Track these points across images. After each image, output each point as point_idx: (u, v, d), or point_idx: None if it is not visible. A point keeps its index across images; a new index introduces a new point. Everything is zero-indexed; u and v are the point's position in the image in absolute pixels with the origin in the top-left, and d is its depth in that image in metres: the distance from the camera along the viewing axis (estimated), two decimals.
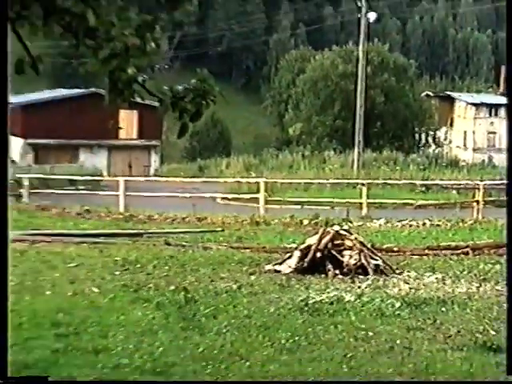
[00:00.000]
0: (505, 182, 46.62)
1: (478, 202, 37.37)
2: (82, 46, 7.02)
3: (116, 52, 6.70)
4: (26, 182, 44.10)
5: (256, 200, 37.81)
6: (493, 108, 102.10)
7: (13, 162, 72.37)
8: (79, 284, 16.35)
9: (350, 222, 27.97)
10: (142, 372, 9.93)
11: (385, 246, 20.82)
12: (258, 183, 40.24)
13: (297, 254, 18.27)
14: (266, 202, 37.37)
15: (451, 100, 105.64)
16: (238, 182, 46.71)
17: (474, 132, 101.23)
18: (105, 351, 10.96)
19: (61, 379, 5.89)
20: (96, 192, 44.83)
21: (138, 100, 7.52)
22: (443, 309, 14.09)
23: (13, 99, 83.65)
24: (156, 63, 7.14)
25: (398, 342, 11.74)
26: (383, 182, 44.36)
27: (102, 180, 52.78)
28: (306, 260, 17.90)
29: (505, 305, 14.64)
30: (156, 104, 7.81)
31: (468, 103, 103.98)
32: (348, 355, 10.87)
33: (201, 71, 7.75)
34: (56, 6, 6.60)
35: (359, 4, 66.92)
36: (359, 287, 16.06)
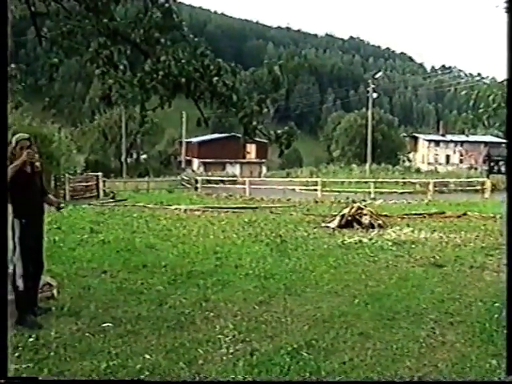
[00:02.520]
0: (444, 180, 46.45)
1: (429, 190, 36.86)
2: (229, 111, 7.03)
3: (247, 114, 6.72)
4: (199, 181, 44.42)
5: (316, 190, 37.63)
6: (436, 142, 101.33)
7: (193, 171, 72.88)
8: (227, 232, 16.36)
9: (365, 201, 27.66)
10: (259, 277, 9.89)
11: (383, 213, 20.53)
12: (317, 181, 40.01)
13: (338, 217, 18.11)
14: (321, 191, 37.17)
15: (416, 138, 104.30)
16: (307, 180, 46.42)
17: (427, 154, 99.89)
18: (240, 266, 10.95)
19: (61, 379, 5.35)
20: (234, 186, 44.96)
21: (257, 139, 7.54)
22: (413, 246, 13.88)
23: (193, 139, 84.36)
24: (266, 119, 7.15)
25: (390, 262, 11.58)
26: (382, 180, 43.92)
27: (236, 180, 52.86)
28: (343, 221, 17.73)
29: (443, 243, 14.49)
30: (264, 140, 7.85)
31: (424, 140, 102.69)
32: (365, 269, 10.76)
33: (289, 124, 7.76)
34: (216, 92, 6.62)
35: (368, 89, 66.71)
36: (370, 235, 15.89)
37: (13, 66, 8.45)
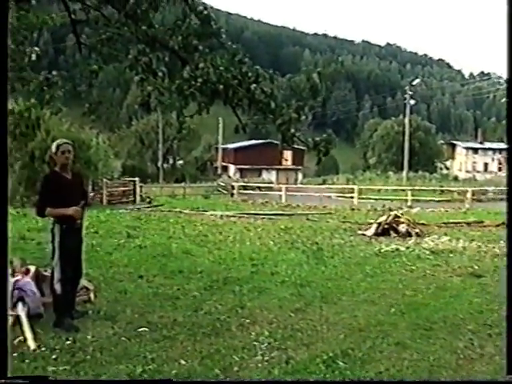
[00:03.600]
0: (483, 189, 45.74)
1: (467, 198, 36.40)
2: (266, 118, 7.03)
3: (284, 121, 6.71)
4: (235, 187, 44.46)
5: (352, 197, 37.45)
6: (474, 150, 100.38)
7: (229, 177, 72.99)
8: (263, 239, 16.35)
9: (401, 209, 27.38)
10: (295, 285, 9.87)
11: (420, 222, 20.29)
12: (353, 188, 39.83)
13: (374, 225, 18.01)
14: (358, 198, 36.97)
15: (453, 145, 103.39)
16: (343, 187, 46.22)
17: (465, 162, 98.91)
18: (276, 273, 10.94)
19: (60, 379, 5.51)
20: (270, 192, 44.95)
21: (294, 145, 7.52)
22: (451, 255, 13.69)
23: (230, 145, 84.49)
24: (302, 126, 7.13)
25: (427, 272, 11.44)
26: (418, 188, 43.43)
27: (272, 186, 52.82)
28: (380, 229, 17.62)
29: (482, 252, 14.26)
30: (301, 147, 7.84)
31: (462, 147, 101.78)
32: (402, 278, 10.65)
33: (326, 131, 7.74)
34: (254, 99, 6.63)
35: (405, 96, 66.34)
36: (407, 243, 15.73)
37: (54, 72, 8.55)
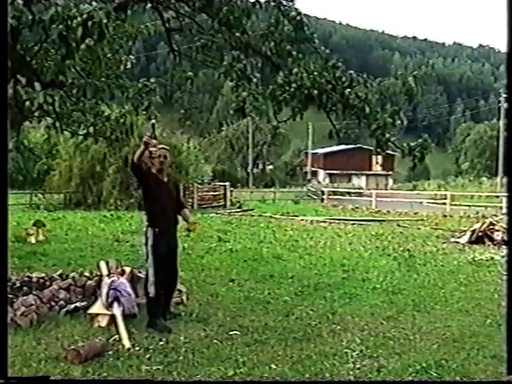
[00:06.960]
0: None
1: None
2: (361, 123, 6.96)
3: (379, 126, 6.61)
4: (325, 192, 44.28)
5: (444, 203, 36.58)
6: None
7: (318, 182, 72.85)
8: (353, 245, 16.22)
9: (496, 216, 26.46)
10: (387, 292, 9.73)
11: None
12: (445, 195, 38.92)
13: (468, 233, 17.54)
14: (450, 204, 36.09)
15: None
16: (435, 193, 45.21)
17: None
18: (367, 280, 10.82)
19: (62, 378, 5.42)
20: (360, 198, 44.55)
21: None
22: None
23: (319, 150, 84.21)
24: (396, 131, 7.02)
25: None
26: None
27: (362, 192, 52.30)
28: (474, 236, 17.14)
29: None
30: (391, 152, 7.72)
31: None
32: (497, 288, 10.28)
33: (420, 135, 7.58)
34: (349, 104, 6.57)
35: (500, 99, 64.47)
36: (502, 252, 15.22)
37: (152, 80, 8.76)
